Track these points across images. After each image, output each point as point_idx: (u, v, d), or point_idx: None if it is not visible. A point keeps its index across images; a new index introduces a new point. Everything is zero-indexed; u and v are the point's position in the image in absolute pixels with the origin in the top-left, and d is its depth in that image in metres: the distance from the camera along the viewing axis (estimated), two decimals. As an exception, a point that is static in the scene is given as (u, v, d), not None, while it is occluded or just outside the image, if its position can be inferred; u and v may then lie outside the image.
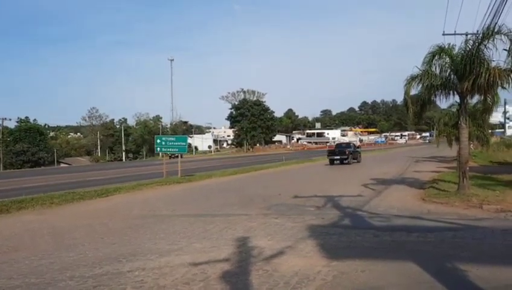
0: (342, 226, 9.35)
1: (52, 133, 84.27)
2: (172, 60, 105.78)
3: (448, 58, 13.56)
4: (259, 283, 5.47)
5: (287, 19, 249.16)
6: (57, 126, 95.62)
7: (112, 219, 11.37)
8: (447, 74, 13.63)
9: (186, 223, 10.24)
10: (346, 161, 34.30)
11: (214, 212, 11.95)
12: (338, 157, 34.69)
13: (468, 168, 13.96)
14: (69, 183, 24.18)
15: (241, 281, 5.60)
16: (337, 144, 47.25)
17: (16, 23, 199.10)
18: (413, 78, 13.96)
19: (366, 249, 7.15)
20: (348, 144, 42.10)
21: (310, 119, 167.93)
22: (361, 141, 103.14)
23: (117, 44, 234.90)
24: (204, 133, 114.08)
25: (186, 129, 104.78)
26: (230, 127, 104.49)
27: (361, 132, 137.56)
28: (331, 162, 34.53)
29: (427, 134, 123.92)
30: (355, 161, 35.92)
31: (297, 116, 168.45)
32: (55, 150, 68.41)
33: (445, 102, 16.06)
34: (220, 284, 5.48)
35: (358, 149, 39.69)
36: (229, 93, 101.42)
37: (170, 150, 25.98)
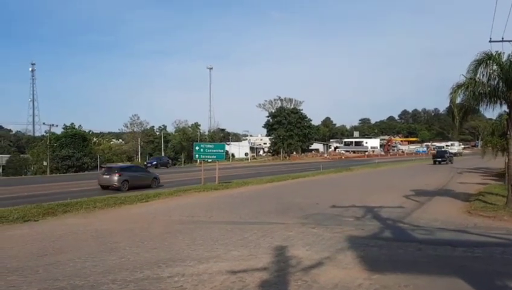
0: (383, 238, 9.11)
1: (95, 139, 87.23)
2: (211, 68, 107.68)
3: (495, 66, 13.01)
4: (298, 294, 5.39)
5: (324, 27, 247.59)
6: (100, 132, 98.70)
7: (151, 224, 11.62)
8: (495, 82, 13.07)
9: (223, 230, 10.29)
10: (445, 162, 51.07)
11: (251, 220, 11.96)
12: (440, 159, 52.38)
13: (517, 180, 13.28)
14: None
15: (279, 291, 5.53)
16: (437, 151, 63.38)
17: (60, 32, 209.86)
18: (459, 87, 13.48)
19: (409, 263, 6.91)
20: (445, 151, 60.17)
21: (348, 127, 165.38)
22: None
23: (157, 52, 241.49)
24: (241, 141, 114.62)
25: (223, 136, 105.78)
26: (267, 135, 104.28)
27: (402, 141, 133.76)
28: (434, 162, 52.14)
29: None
30: (450, 162, 51.79)
31: (335, 124, 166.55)
32: (98, 156, 70.74)
33: (492, 111, 15.41)
34: (258, 293, 5.44)
35: (451, 155, 56.69)
36: (266, 101, 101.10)
37: (208, 156, 26.29)
